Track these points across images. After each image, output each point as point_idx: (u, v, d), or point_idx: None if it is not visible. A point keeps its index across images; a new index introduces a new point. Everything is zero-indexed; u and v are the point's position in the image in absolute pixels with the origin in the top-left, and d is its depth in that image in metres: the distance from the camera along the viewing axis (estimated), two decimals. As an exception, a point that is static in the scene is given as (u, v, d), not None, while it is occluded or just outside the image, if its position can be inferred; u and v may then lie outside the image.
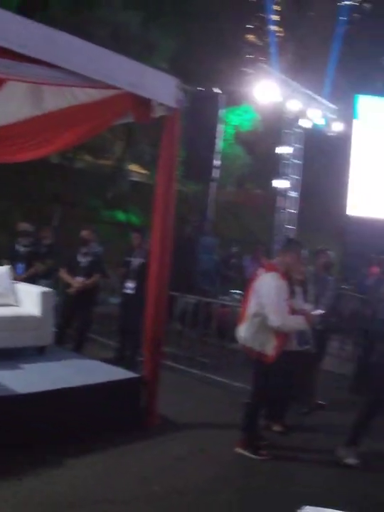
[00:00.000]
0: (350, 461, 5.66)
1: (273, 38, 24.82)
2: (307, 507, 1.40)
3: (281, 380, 6.17)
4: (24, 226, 9.94)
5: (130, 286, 8.41)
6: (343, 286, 10.63)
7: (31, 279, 8.86)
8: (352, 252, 14.48)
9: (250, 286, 6.03)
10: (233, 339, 10.06)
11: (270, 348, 5.69)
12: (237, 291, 13.38)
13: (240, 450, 5.81)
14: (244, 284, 14.27)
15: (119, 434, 5.82)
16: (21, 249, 9.56)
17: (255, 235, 21.93)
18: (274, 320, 5.57)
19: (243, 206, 25.13)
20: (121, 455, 5.49)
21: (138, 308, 7.94)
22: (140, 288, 7.93)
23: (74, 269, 8.64)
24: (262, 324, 5.67)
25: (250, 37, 29.70)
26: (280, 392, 6.39)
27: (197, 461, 5.56)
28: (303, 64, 24.48)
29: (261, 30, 28.30)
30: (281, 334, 5.72)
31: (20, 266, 9.22)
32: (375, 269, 10.34)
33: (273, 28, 26.41)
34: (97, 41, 7.38)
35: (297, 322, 5.76)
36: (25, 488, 4.58)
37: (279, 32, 28.92)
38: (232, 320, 10.36)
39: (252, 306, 5.80)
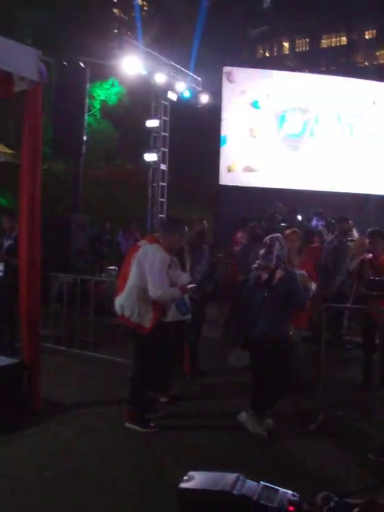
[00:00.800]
0: (259, 429, 5.76)
1: (139, 11, 24.62)
2: (192, 472, 1.40)
3: (162, 351, 6.18)
4: None
5: (0, 268, 8.13)
6: (218, 255, 10.78)
7: None
8: (225, 220, 14.76)
9: (129, 257, 5.96)
10: (112, 315, 10.08)
11: (148, 319, 5.70)
12: (113, 267, 13.33)
13: (129, 424, 5.80)
14: (120, 259, 14.29)
15: (4, 422, 5.63)
16: None
17: (128, 210, 21.84)
18: (155, 291, 5.57)
19: (115, 181, 24.94)
20: (9, 444, 5.34)
21: (8, 292, 7.75)
22: (9, 271, 7.77)
23: None
24: (141, 295, 5.65)
25: (116, 11, 29.33)
26: (162, 363, 6.39)
27: (86, 441, 5.49)
28: (169, 37, 24.51)
29: (127, 4, 27.99)
30: (158, 305, 5.76)
31: None
32: (240, 235, 10.48)
33: (138, 1, 26.18)
34: None
35: (174, 293, 5.79)
36: None
37: (145, 6, 28.74)
38: (109, 296, 10.32)
39: (132, 277, 5.74)
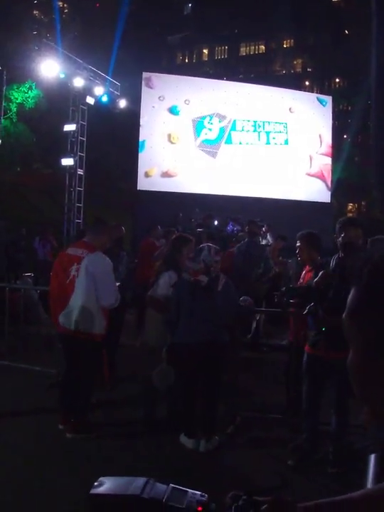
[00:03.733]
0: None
1: (58, 14, 24.38)
2: (102, 477, 1.40)
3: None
4: None
5: None
6: (135, 260, 10.79)
7: None
8: (143, 226, 14.78)
9: (61, 267, 5.90)
10: (28, 322, 9.91)
11: (102, 327, 5.75)
12: (29, 274, 13.11)
13: (71, 435, 5.72)
14: (36, 265, 14.07)
15: None
16: None
17: (45, 215, 21.55)
18: (111, 299, 5.63)
19: (31, 186, 24.56)
20: None
21: None
22: None
23: None
24: (96, 305, 5.64)
25: (36, 12, 28.94)
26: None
27: (3, 454, 5.31)
28: (88, 41, 24.38)
29: (47, 6, 27.66)
30: (106, 311, 5.79)
31: None
32: (149, 241, 10.50)
33: (59, 3, 25.93)
34: None
35: None
36: None
37: (65, 8, 28.48)
38: (24, 303, 10.15)
39: (84, 289, 5.65)
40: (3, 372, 8.00)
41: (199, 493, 1.36)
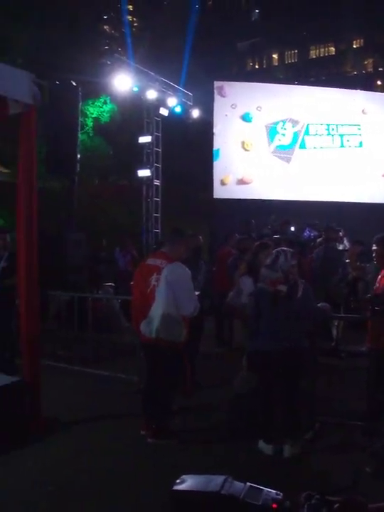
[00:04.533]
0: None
1: (128, 28, 24.81)
2: (184, 475, 1.51)
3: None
4: None
5: None
6: (213, 269, 10.88)
7: None
8: (220, 234, 14.83)
9: (141, 277, 6.07)
10: (110, 331, 10.18)
11: (183, 334, 5.86)
12: (110, 284, 13.40)
13: (153, 440, 5.86)
14: (117, 276, 14.35)
15: (5, 441, 5.69)
16: None
17: (124, 226, 21.94)
18: (191, 308, 5.74)
19: (109, 198, 25.06)
20: (8, 461, 5.41)
21: (4, 311, 7.84)
22: (4, 291, 7.90)
23: None
24: (176, 313, 5.76)
25: (106, 28, 29.52)
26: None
27: (88, 457, 5.56)
28: (159, 53, 24.69)
29: (117, 21, 28.19)
30: (187, 320, 5.89)
31: None
32: (227, 249, 10.53)
33: (128, 18, 26.40)
34: None
35: None
36: None
37: (135, 22, 28.94)
38: (106, 313, 10.43)
39: (164, 298, 5.78)
40: (87, 379, 8.27)
41: (274, 491, 1.44)
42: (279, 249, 5.98)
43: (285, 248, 6.00)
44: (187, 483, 1.35)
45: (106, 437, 6.10)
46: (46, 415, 6.31)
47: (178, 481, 1.33)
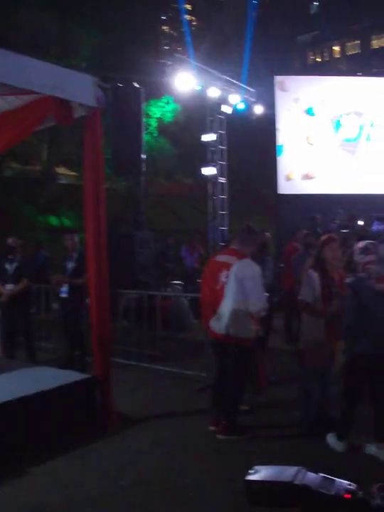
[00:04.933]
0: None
1: (187, 27, 24.88)
2: (257, 466, 1.53)
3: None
4: None
5: (64, 290, 8.40)
6: (280, 265, 10.84)
7: None
8: (286, 230, 14.73)
9: (210, 274, 6.11)
10: (179, 329, 10.26)
11: (252, 331, 5.86)
12: (178, 282, 13.50)
13: (222, 436, 5.91)
14: (185, 273, 14.45)
15: (79, 435, 5.88)
16: None
17: (190, 224, 22.07)
18: (259, 305, 5.75)
19: (175, 197, 25.25)
20: (83, 455, 5.55)
21: (74, 311, 8.03)
22: (73, 290, 8.11)
23: (3, 278, 8.62)
24: (244, 310, 5.76)
25: (165, 28, 29.71)
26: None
27: (159, 452, 5.65)
28: (220, 50, 24.67)
29: (175, 21, 28.33)
30: (257, 317, 5.90)
31: None
32: (294, 245, 10.45)
33: (187, 17, 26.47)
34: (14, 47, 7.33)
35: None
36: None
37: (194, 21, 29.02)
38: (175, 310, 10.51)
39: (234, 295, 5.80)
40: (156, 375, 8.38)
41: (347, 482, 1.45)
42: (368, 242, 5.72)
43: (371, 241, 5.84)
44: (260, 473, 1.36)
45: (176, 433, 6.17)
46: (117, 411, 6.44)
47: (251, 471, 1.34)
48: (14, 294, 8.50)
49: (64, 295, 8.38)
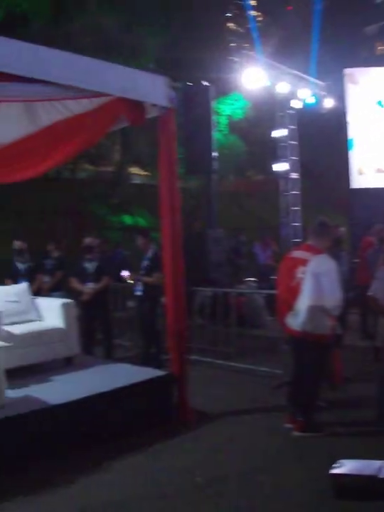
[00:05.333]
0: None
1: (253, 23, 24.74)
2: (342, 459, 1.54)
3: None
4: (18, 244, 9.96)
5: (139, 288, 8.52)
6: (355, 260, 10.67)
7: (38, 294, 8.94)
8: (359, 225, 14.47)
9: (287, 270, 6.10)
10: (253, 326, 10.26)
11: (328, 327, 5.83)
12: (252, 279, 13.47)
13: (299, 433, 5.88)
14: (258, 270, 14.41)
15: (155, 432, 5.97)
16: (20, 266, 9.71)
17: (262, 221, 21.99)
18: (335, 301, 5.71)
19: (246, 194, 25.18)
20: (160, 452, 5.61)
21: (149, 308, 8.14)
22: (147, 289, 8.26)
23: (82, 277, 8.80)
24: (320, 306, 5.73)
25: (231, 25, 29.63)
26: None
27: (234, 449, 5.66)
28: (287, 45, 24.46)
29: (240, 17, 28.21)
30: (333, 314, 5.86)
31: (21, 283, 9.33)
32: (369, 240, 10.27)
33: (252, 13, 26.31)
34: (82, 50, 7.47)
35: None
36: (72, 495, 4.74)
37: (259, 16, 28.82)
38: (249, 307, 10.51)
39: (309, 290, 5.75)
40: (231, 372, 8.40)
41: None
42: None
43: None
44: (345, 467, 1.37)
45: (251, 430, 6.17)
46: (193, 408, 6.49)
47: (336, 465, 1.34)
48: (95, 292, 8.65)
49: (139, 293, 8.51)
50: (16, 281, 8.97)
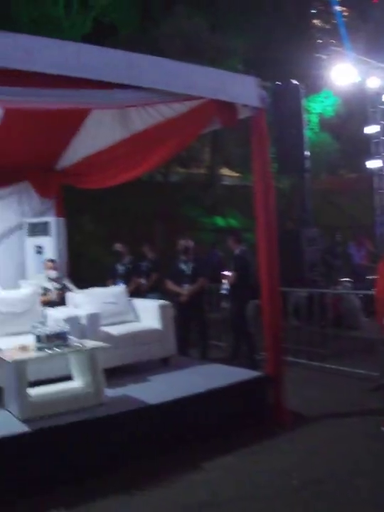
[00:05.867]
0: None
1: (340, 18, 24.32)
2: None
3: None
4: (118, 247, 10.35)
5: (225, 287, 8.58)
6: None
7: (135, 295, 9.13)
8: None
9: None
10: (349, 327, 10.08)
11: None
12: (347, 279, 13.24)
13: None
14: (354, 270, 14.13)
15: (251, 433, 5.96)
16: (120, 268, 10.05)
17: (356, 219, 21.55)
18: None
19: (339, 192, 24.75)
20: (255, 453, 5.59)
21: (235, 307, 8.17)
22: (232, 288, 8.41)
23: (178, 279, 8.87)
24: None
25: (316, 21, 29.23)
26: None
27: (331, 452, 5.57)
28: (376, 39, 23.87)
29: (326, 13, 27.80)
30: None
31: (119, 284, 9.56)
32: None
33: (337, 8, 25.87)
34: (170, 55, 7.56)
35: None
36: (167, 493, 4.80)
37: (345, 11, 28.28)
38: (346, 308, 10.33)
39: None
40: (328, 374, 8.30)
41: None
42: None
43: None
44: None
45: (348, 433, 6.05)
46: (288, 408, 6.44)
47: None
48: (192, 293, 8.75)
49: (224, 292, 8.56)
50: (115, 283, 9.30)
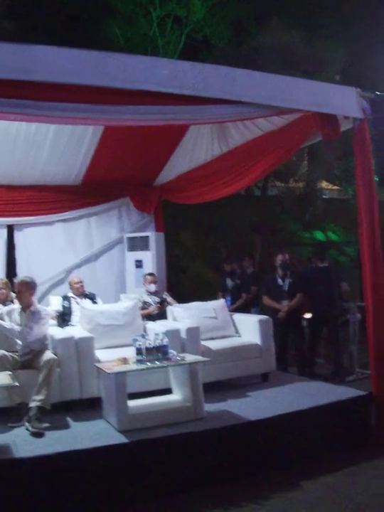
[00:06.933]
0: None
1: None
2: None
3: None
4: (226, 267, 10.49)
5: None
6: None
7: (242, 310, 9.13)
8: None
9: None
10: None
11: None
12: None
13: None
14: None
15: (352, 452, 5.78)
16: (229, 283, 10.15)
17: None
18: None
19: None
20: (357, 474, 5.41)
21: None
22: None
23: (276, 294, 8.78)
24: None
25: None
26: None
27: None
28: None
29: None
30: None
31: (228, 299, 9.68)
32: None
33: None
34: (265, 68, 7.52)
35: None
36: (266, 510, 4.70)
37: None
38: None
39: None
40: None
41: None
42: None
43: None
44: None
45: None
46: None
47: None
48: (291, 309, 8.66)
49: None
50: (224, 297, 9.47)
